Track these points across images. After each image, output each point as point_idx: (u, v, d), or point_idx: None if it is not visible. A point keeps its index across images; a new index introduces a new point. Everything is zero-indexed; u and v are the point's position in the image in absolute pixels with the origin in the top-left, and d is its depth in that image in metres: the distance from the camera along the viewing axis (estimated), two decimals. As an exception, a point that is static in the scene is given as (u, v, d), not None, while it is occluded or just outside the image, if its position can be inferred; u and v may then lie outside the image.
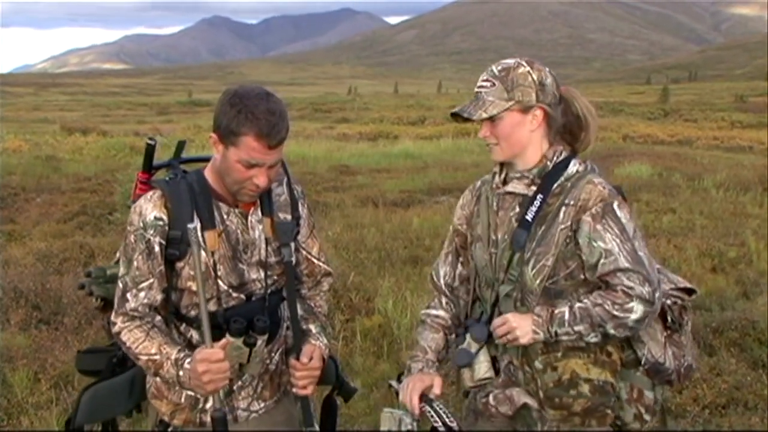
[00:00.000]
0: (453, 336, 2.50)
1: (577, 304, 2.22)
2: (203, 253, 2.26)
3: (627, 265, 2.17)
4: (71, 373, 4.93)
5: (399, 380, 2.46)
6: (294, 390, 2.39)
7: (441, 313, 2.54)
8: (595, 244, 2.20)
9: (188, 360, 2.18)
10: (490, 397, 2.39)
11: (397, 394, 2.43)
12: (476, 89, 2.32)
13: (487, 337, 2.36)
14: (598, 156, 18.61)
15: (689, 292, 2.38)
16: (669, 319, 2.34)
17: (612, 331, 2.20)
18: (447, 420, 2.30)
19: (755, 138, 27.30)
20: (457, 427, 2.30)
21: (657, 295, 2.18)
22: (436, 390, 2.37)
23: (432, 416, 2.33)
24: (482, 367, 2.36)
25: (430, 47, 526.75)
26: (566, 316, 2.21)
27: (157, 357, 2.21)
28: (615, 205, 2.20)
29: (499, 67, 2.30)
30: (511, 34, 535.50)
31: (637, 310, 2.16)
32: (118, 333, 2.28)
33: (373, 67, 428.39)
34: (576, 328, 2.21)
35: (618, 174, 15.33)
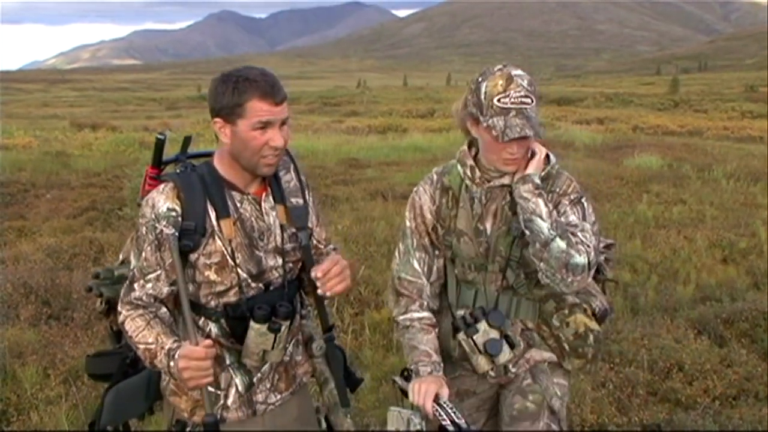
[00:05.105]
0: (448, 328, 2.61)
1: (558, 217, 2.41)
2: (218, 242, 2.26)
3: (586, 226, 2.40)
4: (81, 368, 4.95)
5: (403, 376, 2.46)
6: (321, 293, 2.29)
7: (425, 314, 2.59)
8: (563, 217, 2.40)
9: (180, 351, 2.15)
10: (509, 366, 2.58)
11: (401, 390, 2.42)
12: (518, 106, 2.30)
13: (504, 320, 2.47)
14: (608, 147, 18.56)
15: (609, 246, 2.77)
16: (601, 272, 2.68)
17: (558, 252, 2.30)
18: (455, 418, 2.32)
19: (765, 128, 27.12)
20: (465, 425, 2.31)
21: (594, 262, 2.37)
22: (445, 396, 2.41)
23: (440, 415, 2.34)
24: (505, 351, 2.46)
25: (438, 40, 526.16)
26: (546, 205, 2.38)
27: (153, 346, 2.19)
28: (584, 200, 2.48)
29: (526, 81, 2.33)
30: (519, 26, 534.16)
31: (582, 257, 2.32)
32: (123, 322, 2.27)
33: (381, 60, 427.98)
34: (544, 212, 2.34)
35: (628, 165, 15.28)
